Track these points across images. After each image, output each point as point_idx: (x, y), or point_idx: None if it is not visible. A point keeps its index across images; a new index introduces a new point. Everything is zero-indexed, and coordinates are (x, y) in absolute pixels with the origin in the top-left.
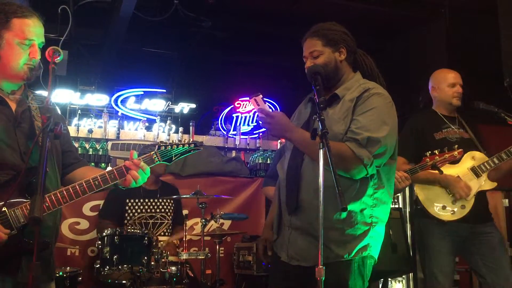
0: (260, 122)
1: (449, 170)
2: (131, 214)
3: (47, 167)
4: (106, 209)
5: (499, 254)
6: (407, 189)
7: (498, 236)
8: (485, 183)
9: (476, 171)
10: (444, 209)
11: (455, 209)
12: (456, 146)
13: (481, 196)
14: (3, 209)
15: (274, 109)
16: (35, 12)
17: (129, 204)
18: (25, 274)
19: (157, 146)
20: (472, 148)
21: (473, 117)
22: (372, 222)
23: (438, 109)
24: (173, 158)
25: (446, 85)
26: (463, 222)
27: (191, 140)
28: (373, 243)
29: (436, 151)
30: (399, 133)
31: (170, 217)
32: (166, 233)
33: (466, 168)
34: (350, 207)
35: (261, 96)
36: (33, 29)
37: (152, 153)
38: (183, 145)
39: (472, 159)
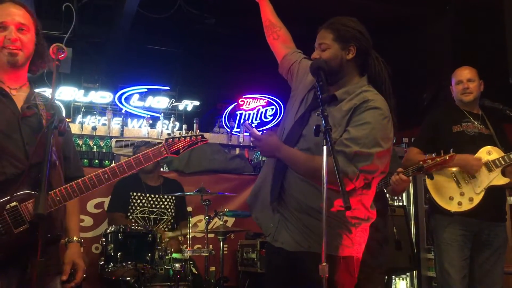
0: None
1: None
2: (134, 207)
3: (57, 162)
4: (115, 203)
5: (495, 261)
6: (411, 188)
7: (500, 241)
8: (497, 178)
9: (489, 166)
10: (451, 200)
11: (462, 201)
12: (452, 150)
13: (494, 192)
14: (13, 203)
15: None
16: None
17: (132, 197)
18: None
19: (165, 139)
20: (490, 143)
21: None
22: (355, 224)
23: (459, 105)
24: (181, 150)
25: (454, 83)
26: (471, 216)
27: (198, 132)
28: (357, 242)
29: (433, 155)
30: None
31: (171, 213)
32: (166, 229)
33: None
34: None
35: (247, 122)
36: (2, 11)
37: (160, 145)
38: (190, 137)
39: (487, 153)
